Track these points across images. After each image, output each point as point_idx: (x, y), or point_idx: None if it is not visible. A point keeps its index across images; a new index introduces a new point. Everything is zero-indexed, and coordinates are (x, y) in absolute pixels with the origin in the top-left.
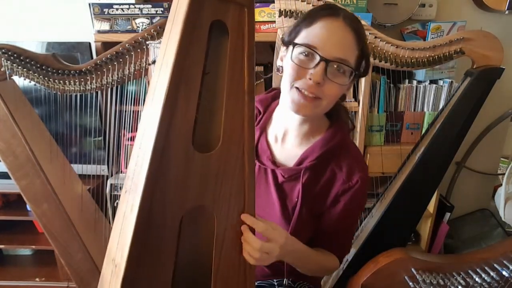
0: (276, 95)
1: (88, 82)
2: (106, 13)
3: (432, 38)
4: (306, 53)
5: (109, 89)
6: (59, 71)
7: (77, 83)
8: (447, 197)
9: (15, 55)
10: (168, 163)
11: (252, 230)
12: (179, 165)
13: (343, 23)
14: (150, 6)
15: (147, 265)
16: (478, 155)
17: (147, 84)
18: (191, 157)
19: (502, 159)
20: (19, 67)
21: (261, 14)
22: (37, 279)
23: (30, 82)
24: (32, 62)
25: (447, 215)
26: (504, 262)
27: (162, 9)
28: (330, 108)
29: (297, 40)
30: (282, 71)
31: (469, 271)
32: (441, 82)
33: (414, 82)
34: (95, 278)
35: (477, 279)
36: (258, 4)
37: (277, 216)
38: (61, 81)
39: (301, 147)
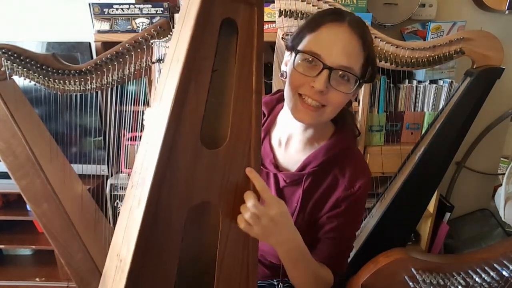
0: (281, 97)
1: (88, 82)
2: (106, 13)
3: (432, 38)
4: (309, 59)
5: (109, 89)
6: (59, 71)
7: (77, 83)
8: (447, 197)
9: (15, 55)
10: (177, 158)
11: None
12: (187, 161)
13: (348, 29)
14: (150, 6)
15: (152, 259)
16: (478, 155)
17: (147, 84)
18: (199, 153)
19: (502, 159)
20: (19, 67)
21: None
22: (37, 279)
23: (30, 82)
24: (32, 62)
25: (447, 215)
26: (504, 262)
27: (162, 9)
28: (336, 114)
29: (300, 46)
30: (285, 76)
31: (469, 271)
32: (441, 82)
33: (414, 82)
34: (95, 278)
35: (477, 279)
36: None
37: None
38: (61, 81)
39: (304, 153)
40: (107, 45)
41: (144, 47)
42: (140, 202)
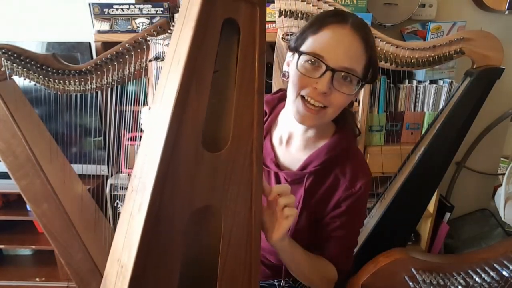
0: (282, 96)
1: (88, 82)
2: (106, 13)
3: (432, 38)
4: (312, 61)
5: (109, 89)
6: (59, 71)
7: (77, 83)
8: (447, 197)
9: (15, 55)
10: (178, 162)
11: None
12: (189, 164)
13: (351, 31)
14: (150, 6)
15: (154, 265)
16: (478, 155)
17: (147, 84)
18: (200, 156)
19: (502, 159)
20: (19, 67)
21: None
22: (37, 279)
23: (30, 82)
24: (32, 62)
25: (447, 215)
26: (504, 262)
27: (162, 9)
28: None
29: (303, 48)
30: (288, 77)
31: (469, 271)
32: (441, 82)
33: (414, 82)
34: (95, 278)
35: (477, 279)
36: None
37: None
38: (61, 81)
39: (305, 152)
40: (107, 45)
41: (144, 47)
42: (140, 208)
